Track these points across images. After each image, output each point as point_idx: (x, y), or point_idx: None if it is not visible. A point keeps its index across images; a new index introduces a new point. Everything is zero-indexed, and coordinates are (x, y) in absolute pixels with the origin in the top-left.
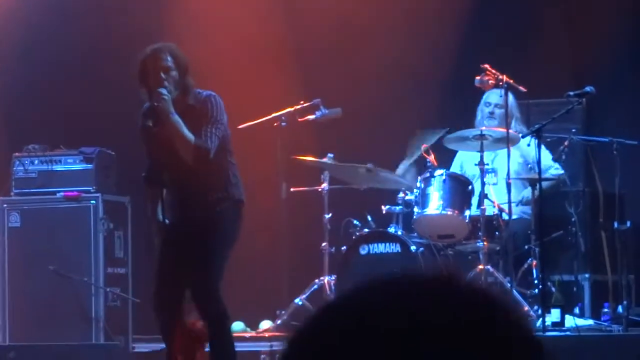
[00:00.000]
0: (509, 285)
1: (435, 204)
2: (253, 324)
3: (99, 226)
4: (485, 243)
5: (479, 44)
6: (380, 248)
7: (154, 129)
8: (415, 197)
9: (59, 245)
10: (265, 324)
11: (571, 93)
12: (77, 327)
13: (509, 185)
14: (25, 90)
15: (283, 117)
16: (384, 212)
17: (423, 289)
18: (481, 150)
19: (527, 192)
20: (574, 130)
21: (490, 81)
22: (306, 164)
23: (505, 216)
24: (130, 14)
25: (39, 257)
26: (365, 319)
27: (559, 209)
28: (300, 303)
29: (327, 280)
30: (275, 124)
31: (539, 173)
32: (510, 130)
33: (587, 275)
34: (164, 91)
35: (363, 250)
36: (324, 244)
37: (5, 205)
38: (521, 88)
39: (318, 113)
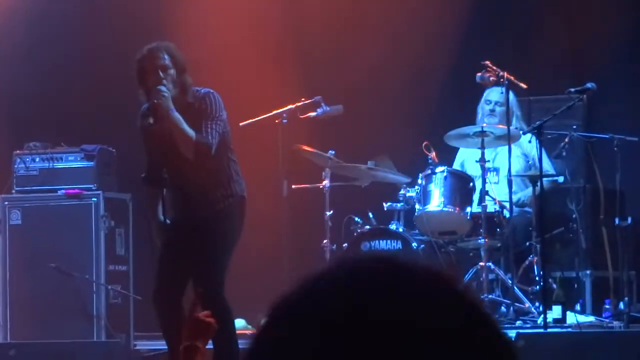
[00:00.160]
0: (510, 282)
1: (436, 201)
2: (254, 321)
3: (100, 223)
4: (486, 240)
5: (479, 41)
6: (381, 245)
7: (154, 126)
8: (417, 194)
9: (60, 243)
10: None
11: (572, 89)
12: (78, 324)
13: (510, 183)
14: (26, 87)
15: (284, 114)
16: (385, 209)
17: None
18: (482, 148)
19: (523, 194)
20: (574, 126)
21: (491, 78)
22: (308, 157)
23: (506, 213)
24: (131, 12)
25: (40, 254)
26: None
27: (559, 205)
28: None
29: None
30: (276, 121)
31: (540, 170)
32: (511, 128)
33: (588, 272)
34: (163, 88)
35: (364, 248)
36: (325, 241)
37: (6, 203)
38: (522, 85)
39: (319, 110)
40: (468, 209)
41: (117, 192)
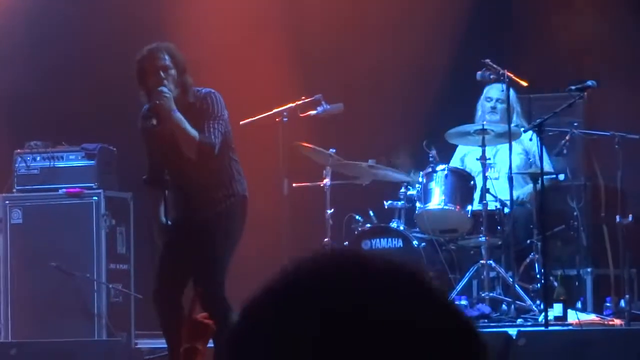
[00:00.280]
0: (511, 280)
1: (437, 199)
2: None
3: (101, 222)
4: (487, 238)
5: (479, 39)
6: (382, 243)
7: (156, 127)
8: (417, 192)
9: (61, 242)
10: None
11: (572, 87)
12: (80, 323)
13: (510, 180)
14: (26, 87)
15: (285, 113)
16: (386, 207)
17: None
18: (483, 145)
19: (522, 192)
20: (575, 124)
21: (491, 76)
22: (308, 155)
23: (507, 210)
24: (131, 12)
25: (41, 253)
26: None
27: (560, 203)
28: None
29: None
30: (276, 120)
31: (541, 168)
32: (512, 125)
33: (589, 270)
34: (164, 89)
35: (365, 246)
36: (326, 240)
37: (7, 202)
38: (522, 82)
39: (320, 108)
40: (469, 207)
41: (118, 191)
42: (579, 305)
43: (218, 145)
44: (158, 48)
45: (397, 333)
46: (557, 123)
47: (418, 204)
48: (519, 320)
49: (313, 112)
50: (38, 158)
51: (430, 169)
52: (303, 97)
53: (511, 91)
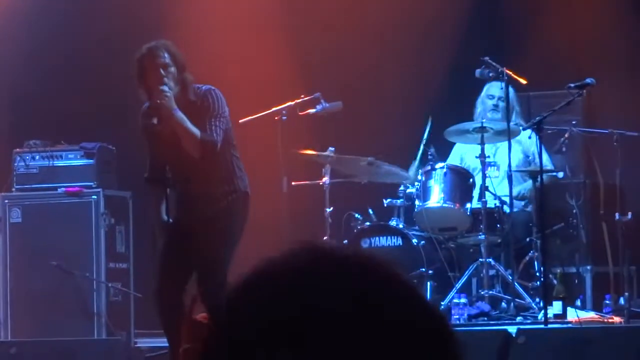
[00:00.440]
0: (510, 278)
1: (436, 197)
2: None
3: (100, 221)
4: (486, 236)
5: (478, 37)
6: (381, 242)
7: (158, 126)
8: (417, 190)
9: (60, 241)
10: None
11: (572, 85)
12: (79, 322)
13: (510, 178)
14: (26, 86)
15: (284, 111)
16: (385, 205)
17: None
18: (482, 143)
19: (523, 187)
20: (574, 122)
21: (490, 73)
22: (307, 158)
23: (506, 209)
24: (131, 10)
25: (41, 252)
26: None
27: (560, 201)
28: None
29: None
30: (276, 118)
31: (540, 165)
32: (511, 123)
33: (588, 267)
34: (165, 88)
35: (365, 244)
36: (325, 238)
37: (6, 201)
38: (521, 80)
39: (319, 107)
40: (468, 205)
41: (117, 190)
42: (578, 303)
43: (220, 143)
44: (158, 46)
45: (366, 329)
46: (556, 121)
47: (417, 202)
48: (519, 318)
49: (312, 111)
50: (37, 157)
51: (429, 167)
52: (302, 96)
53: (511, 90)
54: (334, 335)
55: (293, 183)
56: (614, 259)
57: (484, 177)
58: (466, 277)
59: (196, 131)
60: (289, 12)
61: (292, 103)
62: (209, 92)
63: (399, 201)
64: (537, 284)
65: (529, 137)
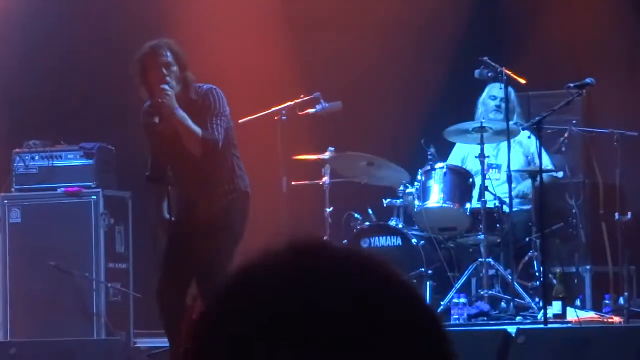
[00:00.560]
0: (510, 277)
1: (436, 197)
2: None
3: (99, 221)
4: (486, 235)
5: (477, 37)
6: (381, 241)
7: (159, 125)
8: (416, 190)
9: (59, 241)
10: None
11: (571, 84)
12: (78, 322)
13: (509, 178)
14: (25, 86)
15: (283, 111)
16: (384, 205)
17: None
18: (481, 143)
19: (523, 186)
20: (574, 121)
21: (490, 73)
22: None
23: (506, 208)
24: (131, 9)
25: (40, 252)
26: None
27: (559, 200)
28: None
29: None
30: (275, 118)
31: (540, 165)
32: (510, 123)
33: (588, 267)
34: (166, 87)
35: (364, 244)
36: (324, 238)
37: (5, 201)
38: (521, 80)
39: (318, 106)
40: (467, 205)
41: (116, 190)
42: (577, 302)
43: (221, 141)
44: (160, 44)
45: (366, 328)
46: (555, 121)
47: (417, 202)
48: (518, 318)
49: (312, 111)
50: (36, 157)
51: (428, 167)
52: (302, 96)
53: (512, 91)
54: (333, 334)
55: (293, 183)
56: (613, 259)
57: (484, 176)
58: (466, 277)
59: (197, 130)
60: (288, 12)
61: (292, 103)
62: (210, 91)
63: (398, 201)
64: (537, 283)
65: (529, 137)
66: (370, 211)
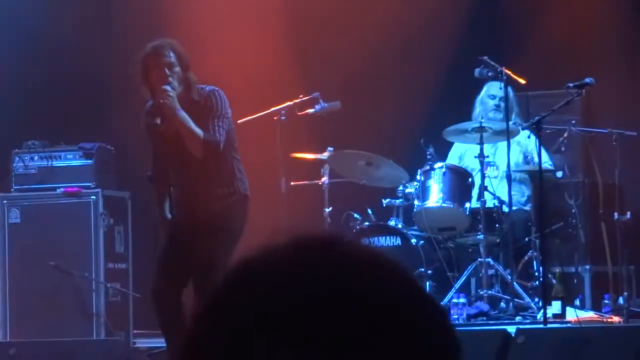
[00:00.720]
0: (509, 277)
1: (435, 197)
2: None
3: (99, 221)
4: (485, 235)
5: (477, 37)
6: (380, 241)
7: (161, 126)
8: (416, 189)
9: (59, 241)
10: None
11: (570, 84)
12: (78, 322)
13: (509, 178)
14: (25, 86)
15: (282, 111)
16: (384, 205)
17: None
18: (481, 143)
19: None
20: (573, 121)
21: (489, 73)
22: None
23: (505, 208)
24: (131, 10)
25: (39, 253)
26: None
27: (558, 200)
28: None
29: None
30: (274, 118)
31: (540, 165)
32: (510, 123)
33: (587, 267)
34: (168, 88)
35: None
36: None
37: (5, 202)
38: (520, 80)
39: (317, 106)
40: (467, 205)
41: (116, 190)
42: (577, 302)
43: (222, 143)
44: (163, 45)
45: (365, 328)
46: (555, 120)
47: (416, 202)
48: (518, 318)
49: (311, 111)
50: (36, 157)
51: (428, 167)
52: (301, 96)
53: (512, 91)
54: (333, 333)
55: (292, 183)
56: (612, 259)
57: (483, 176)
58: (465, 276)
59: (199, 131)
60: (288, 12)
61: (291, 103)
62: (212, 92)
63: (397, 201)
64: (536, 283)
65: (528, 137)
66: (369, 211)
